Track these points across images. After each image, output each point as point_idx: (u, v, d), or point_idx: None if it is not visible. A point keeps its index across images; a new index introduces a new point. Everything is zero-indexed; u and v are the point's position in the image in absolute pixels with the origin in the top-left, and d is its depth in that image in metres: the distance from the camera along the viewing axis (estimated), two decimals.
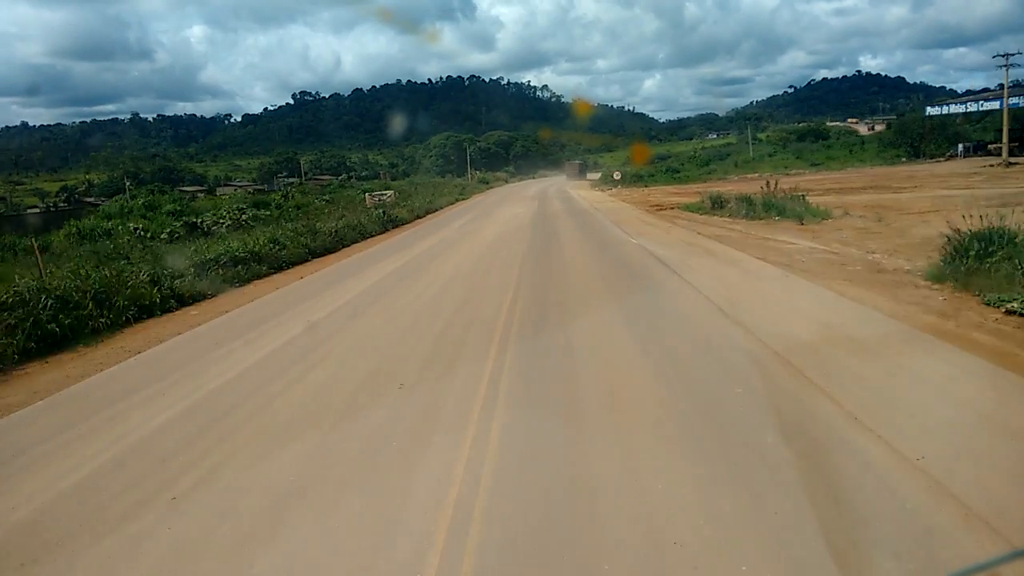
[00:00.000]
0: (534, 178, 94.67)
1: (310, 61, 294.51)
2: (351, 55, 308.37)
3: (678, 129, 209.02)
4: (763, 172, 65.25)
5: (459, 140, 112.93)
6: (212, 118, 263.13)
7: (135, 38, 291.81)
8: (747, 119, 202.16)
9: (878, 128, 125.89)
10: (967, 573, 2.82)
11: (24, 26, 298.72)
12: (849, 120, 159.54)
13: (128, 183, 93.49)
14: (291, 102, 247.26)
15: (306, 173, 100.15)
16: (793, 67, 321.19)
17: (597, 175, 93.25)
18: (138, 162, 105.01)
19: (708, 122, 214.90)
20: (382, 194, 39.16)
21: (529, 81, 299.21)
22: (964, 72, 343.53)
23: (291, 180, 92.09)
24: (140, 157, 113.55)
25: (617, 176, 57.76)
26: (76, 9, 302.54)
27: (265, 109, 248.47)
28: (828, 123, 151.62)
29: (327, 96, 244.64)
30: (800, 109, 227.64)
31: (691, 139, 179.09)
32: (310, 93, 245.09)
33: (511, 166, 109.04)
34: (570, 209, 32.11)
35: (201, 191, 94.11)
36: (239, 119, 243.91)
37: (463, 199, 47.55)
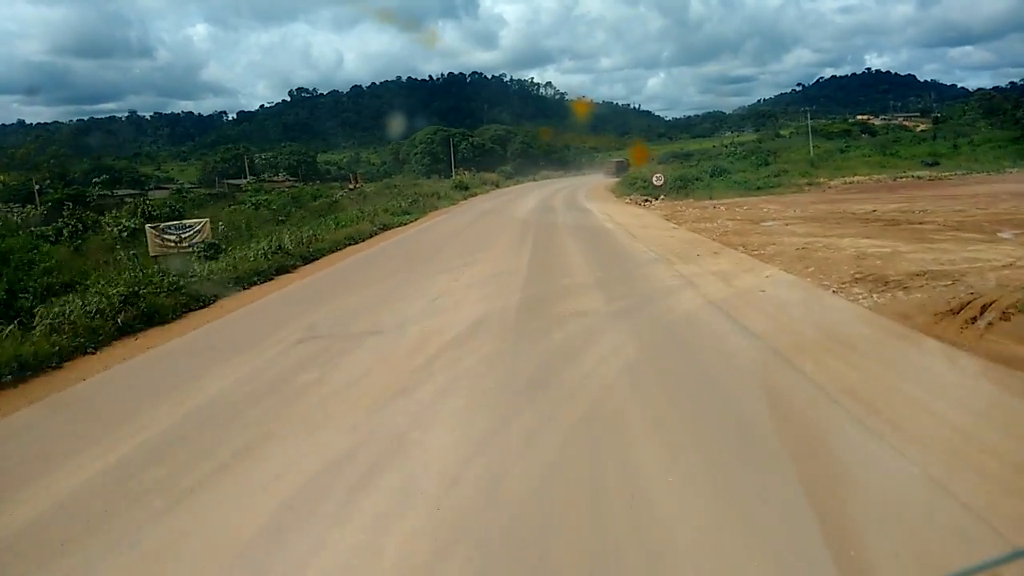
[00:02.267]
0: (535, 180, 71.58)
1: (312, 59, 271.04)
2: (353, 53, 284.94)
3: (687, 127, 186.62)
4: (861, 174, 42.40)
5: (448, 135, 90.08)
6: (209, 116, 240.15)
7: (136, 36, 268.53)
8: (761, 116, 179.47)
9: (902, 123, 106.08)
10: (967, 573, 2.66)
11: (24, 23, 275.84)
12: (859, 116, 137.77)
13: (38, 187, 71.28)
14: (287, 99, 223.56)
15: (261, 172, 77.61)
16: (798, 65, 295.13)
17: (605, 174, 70.32)
18: (66, 161, 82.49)
19: (718, 119, 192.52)
20: (179, 227, 16.34)
21: (532, 78, 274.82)
22: (970, 71, 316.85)
23: (236, 182, 69.70)
24: (69, 155, 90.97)
25: (659, 180, 35.17)
26: (76, 6, 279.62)
27: (261, 106, 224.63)
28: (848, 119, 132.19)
29: (325, 93, 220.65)
30: (810, 107, 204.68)
31: (705, 136, 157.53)
32: (307, 90, 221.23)
33: (508, 165, 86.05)
34: (638, 297, 9.48)
35: (134, 195, 72.10)
36: (234, 116, 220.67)
37: (406, 222, 25.09)
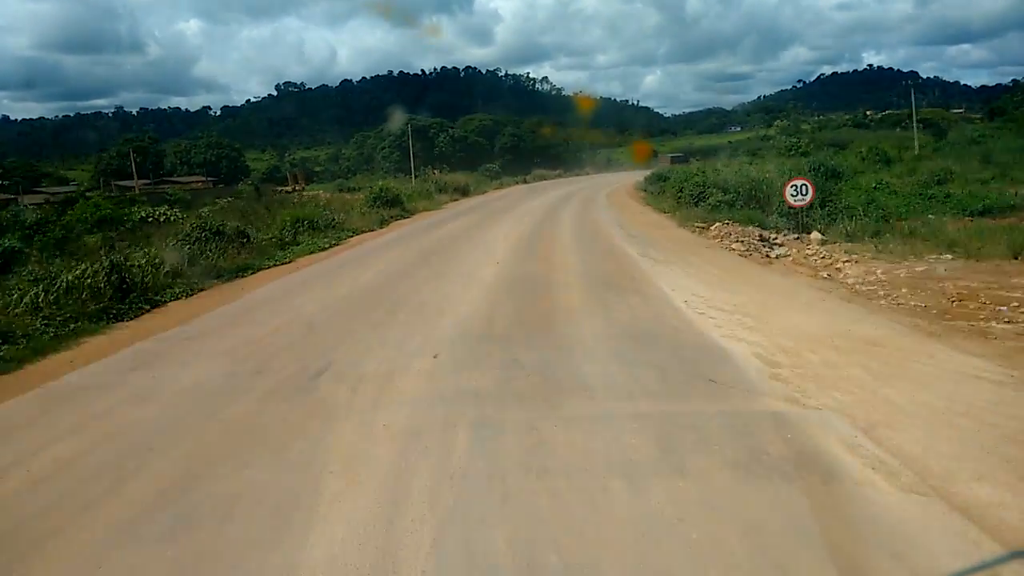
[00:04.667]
0: (525, 181, 49.88)
1: (305, 55, 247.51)
2: (347, 49, 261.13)
3: (690, 123, 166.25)
4: None
5: (424, 126, 68.57)
6: (197, 112, 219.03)
7: (126, 31, 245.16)
8: (768, 111, 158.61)
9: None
10: (967, 573, 2.61)
11: (14, 19, 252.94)
12: (867, 112, 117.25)
13: None
14: (274, 93, 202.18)
15: (171, 172, 55.97)
16: (795, 63, 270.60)
17: (624, 172, 49.23)
18: None
19: (721, 115, 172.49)
20: None
21: (528, 73, 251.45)
22: (967, 69, 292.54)
23: (126, 184, 48.10)
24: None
25: (802, 197, 13.80)
26: (66, 2, 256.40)
27: (247, 101, 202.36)
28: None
29: (313, 87, 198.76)
30: (812, 103, 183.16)
31: (712, 132, 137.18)
32: (295, 84, 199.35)
33: (496, 162, 64.47)
34: None
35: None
36: (218, 112, 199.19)
37: None
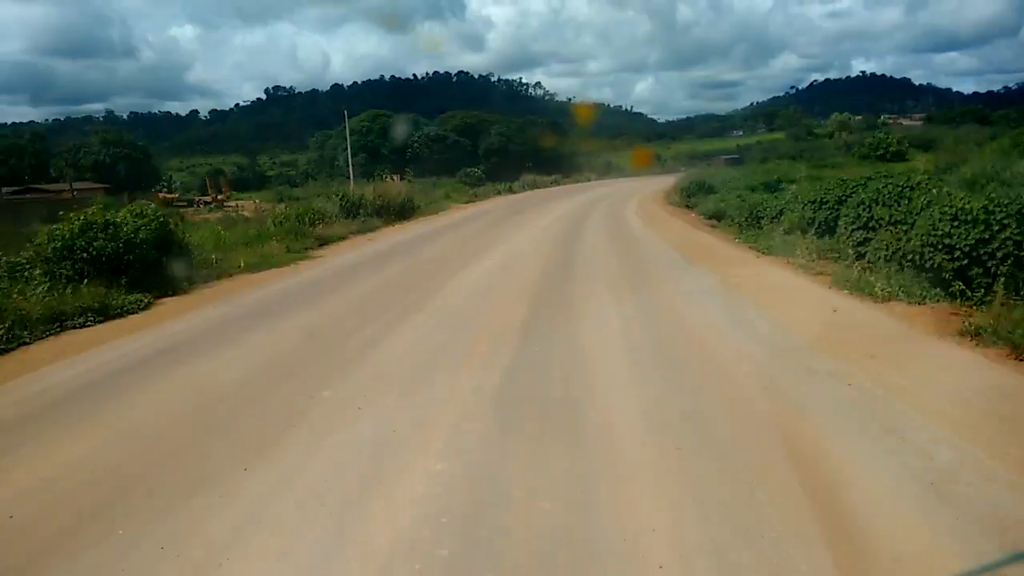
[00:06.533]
0: (512, 191, 35.56)
1: (299, 61, 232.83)
2: (341, 55, 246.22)
3: (688, 128, 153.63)
4: None
5: (391, 122, 54.33)
6: (187, 116, 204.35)
7: (119, 35, 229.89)
8: (768, 116, 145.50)
9: None
10: (972, 574, 2.50)
11: (7, 24, 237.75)
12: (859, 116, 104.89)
13: None
14: (263, 97, 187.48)
15: (62, 173, 41.57)
16: (785, 70, 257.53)
17: (632, 180, 36.09)
18: None
19: (721, 120, 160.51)
20: None
21: (521, 78, 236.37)
22: (955, 77, 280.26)
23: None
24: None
25: None
26: (59, 7, 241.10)
27: (236, 105, 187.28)
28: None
29: (303, 92, 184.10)
30: (813, 108, 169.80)
31: (712, 136, 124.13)
32: (284, 88, 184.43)
33: (479, 166, 50.20)
34: None
35: None
36: (207, 116, 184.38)
37: None
